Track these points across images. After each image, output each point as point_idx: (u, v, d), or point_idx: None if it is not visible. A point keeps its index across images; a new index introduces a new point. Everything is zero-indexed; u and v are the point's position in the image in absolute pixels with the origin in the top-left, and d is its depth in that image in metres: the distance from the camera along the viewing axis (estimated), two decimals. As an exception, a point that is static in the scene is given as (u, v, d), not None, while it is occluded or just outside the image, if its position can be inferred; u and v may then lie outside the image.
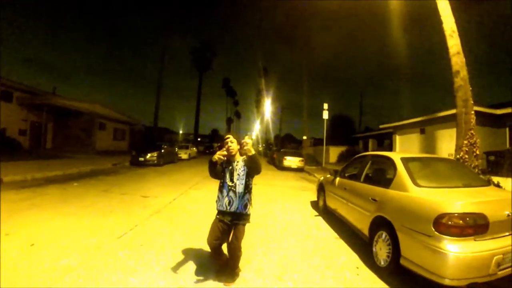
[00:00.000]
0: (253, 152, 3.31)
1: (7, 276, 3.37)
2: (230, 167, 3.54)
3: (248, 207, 3.52)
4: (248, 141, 3.29)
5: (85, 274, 3.58)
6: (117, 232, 5.21)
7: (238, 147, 3.52)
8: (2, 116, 16.55)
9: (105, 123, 27.47)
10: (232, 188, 3.47)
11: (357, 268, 4.30)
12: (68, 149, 20.30)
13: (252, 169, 3.48)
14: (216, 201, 3.59)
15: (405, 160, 4.55)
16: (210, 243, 3.53)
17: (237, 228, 3.50)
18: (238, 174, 3.50)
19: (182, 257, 4.29)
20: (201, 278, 3.68)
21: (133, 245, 4.67)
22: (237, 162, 3.55)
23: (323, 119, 23.92)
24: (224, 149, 3.46)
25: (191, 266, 4.02)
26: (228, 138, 3.54)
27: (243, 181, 3.49)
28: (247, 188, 3.52)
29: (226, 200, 3.47)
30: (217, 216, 3.57)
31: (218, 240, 3.52)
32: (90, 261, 3.96)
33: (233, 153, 3.52)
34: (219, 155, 3.37)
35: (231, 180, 3.50)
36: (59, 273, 3.56)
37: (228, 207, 3.45)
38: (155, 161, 18.07)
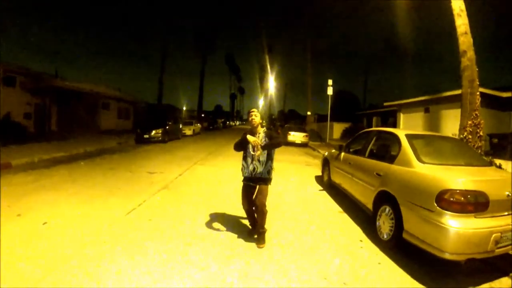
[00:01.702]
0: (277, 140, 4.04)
1: (22, 254, 3.51)
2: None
3: (271, 172, 4.08)
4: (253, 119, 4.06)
5: (98, 250, 3.70)
6: (126, 208, 5.34)
7: (261, 120, 4.10)
8: (6, 100, 16.56)
9: (109, 102, 27.36)
10: (257, 158, 3.94)
11: (361, 241, 4.42)
12: (73, 130, 20.34)
13: (271, 143, 3.98)
14: (242, 169, 4.11)
15: (409, 137, 4.57)
16: (244, 205, 4.20)
17: (261, 187, 4.00)
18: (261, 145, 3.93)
19: (189, 235, 4.39)
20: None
21: (142, 220, 4.81)
22: (259, 134, 4.06)
23: (327, 95, 23.69)
24: (254, 123, 4.06)
25: (202, 237, 4.13)
26: (253, 112, 4.06)
27: (265, 151, 3.96)
28: (269, 156, 4.03)
29: (251, 167, 3.98)
30: (244, 182, 4.14)
31: (250, 203, 4.10)
32: (102, 237, 4.08)
33: (255, 125, 4.07)
34: (255, 141, 3.88)
35: (254, 149, 3.95)
36: (73, 249, 3.68)
37: (253, 173, 3.98)
38: (160, 138, 18.09)
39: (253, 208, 4.11)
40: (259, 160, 3.95)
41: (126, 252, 3.65)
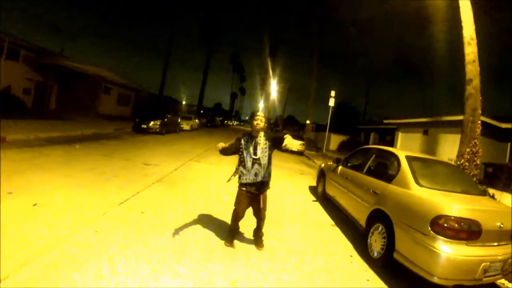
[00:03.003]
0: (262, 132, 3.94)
1: (8, 237, 3.43)
2: (253, 142, 3.89)
3: (270, 175, 3.96)
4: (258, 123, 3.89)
5: (87, 237, 3.67)
6: (119, 197, 5.29)
7: (265, 126, 3.92)
8: (7, 74, 16.44)
9: (110, 87, 27.21)
10: (258, 161, 3.82)
11: (351, 256, 4.45)
12: (71, 111, 20.24)
13: (276, 143, 3.94)
14: (240, 175, 3.90)
15: (409, 159, 4.63)
16: (238, 213, 4.00)
17: (264, 194, 3.96)
18: (262, 148, 3.85)
19: (181, 230, 4.38)
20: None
21: (134, 212, 4.77)
22: (260, 137, 3.90)
23: (328, 106, 23.75)
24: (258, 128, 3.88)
25: (192, 236, 4.14)
26: (259, 116, 3.89)
27: (267, 153, 3.87)
28: (270, 159, 3.92)
29: (252, 172, 3.81)
30: (243, 189, 3.92)
31: (244, 210, 4.02)
32: (93, 226, 4.02)
33: (258, 130, 3.89)
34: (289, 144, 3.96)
35: (255, 154, 3.83)
36: (62, 234, 3.63)
37: (255, 178, 3.81)
38: (158, 129, 18.04)
39: (256, 216, 4.10)
40: (260, 164, 3.82)
41: (116, 245, 3.59)
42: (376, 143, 27.98)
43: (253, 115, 3.94)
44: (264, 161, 3.84)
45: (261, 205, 3.94)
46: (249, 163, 3.83)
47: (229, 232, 4.21)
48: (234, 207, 4.04)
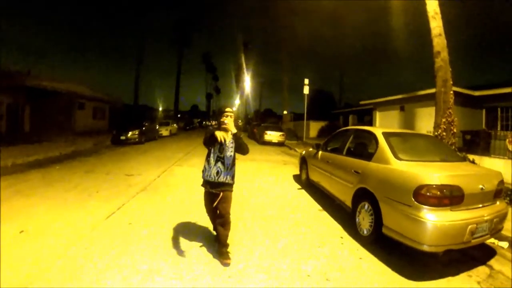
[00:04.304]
0: (233, 130, 3.55)
1: (2, 267, 3.37)
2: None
3: (234, 177, 3.73)
4: (226, 121, 3.52)
5: (78, 256, 3.61)
6: (105, 212, 5.22)
7: (233, 124, 3.59)
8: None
9: (84, 102, 26.52)
10: (221, 160, 3.60)
11: (341, 237, 4.52)
12: (47, 132, 19.75)
13: (238, 147, 3.68)
14: (203, 171, 3.69)
15: (386, 135, 4.70)
16: (208, 213, 3.92)
17: (225, 194, 3.63)
18: (228, 147, 3.60)
19: (171, 233, 4.39)
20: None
21: (122, 224, 4.72)
22: (228, 134, 3.59)
23: (304, 94, 23.93)
24: (225, 127, 3.52)
25: (182, 241, 4.12)
26: (228, 112, 3.60)
27: (232, 154, 3.66)
28: (234, 160, 3.70)
29: (214, 170, 3.58)
30: (205, 187, 3.72)
31: (213, 210, 3.71)
32: (81, 243, 3.97)
33: (225, 127, 3.54)
34: (222, 137, 3.44)
35: (220, 151, 3.60)
36: (52, 258, 3.57)
37: (216, 177, 3.57)
38: (137, 139, 17.79)
39: (216, 217, 3.73)
40: (223, 163, 3.58)
41: (107, 258, 3.57)
42: (355, 124, 28.29)
43: (220, 112, 3.67)
44: (228, 161, 3.61)
45: (220, 206, 3.62)
46: (212, 160, 3.61)
47: (218, 243, 3.79)
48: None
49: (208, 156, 3.68)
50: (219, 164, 3.59)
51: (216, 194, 3.62)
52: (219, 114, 3.69)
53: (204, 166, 3.69)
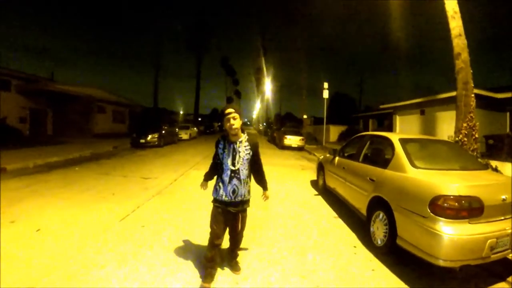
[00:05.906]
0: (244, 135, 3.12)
1: (16, 263, 3.45)
2: (232, 149, 3.06)
3: (250, 191, 3.22)
4: (234, 125, 2.97)
5: (90, 257, 3.65)
6: (119, 214, 5.31)
7: (241, 122, 3.06)
8: (2, 105, 16.56)
9: (104, 106, 27.19)
10: (236, 175, 3.04)
11: (355, 247, 4.39)
12: (68, 134, 20.32)
13: (254, 163, 3.20)
14: (215, 190, 3.16)
15: (403, 141, 4.55)
16: (217, 233, 3.14)
17: (243, 215, 3.24)
18: (242, 158, 3.04)
19: (182, 242, 4.36)
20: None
21: (135, 226, 4.76)
22: (240, 142, 3.08)
23: (323, 98, 23.72)
24: (234, 132, 3.01)
25: (193, 247, 4.10)
26: (231, 113, 2.96)
27: (247, 165, 3.10)
28: (250, 173, 3.21)
29: (230, 188, 3.03)
30: (219, 206, 3.12)
31: (224, 230, 3.22)
32: (96, 244, 4.03)
33: (234, 133, 3.01)
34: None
35: (233, 164, 3.03)
36: (65, 257, 3.63)
37: (233, 197, 3.05)
38: (156, 142, 18.07)
39: (234, 233, 3.36)
40: (239, 179, 3.04)
41: (120, 260, 3.61)
42: (375, 129, 27.95)
43: (223, 114, 3.00)
44: (243, 175, 3.06)
45: (239, 227, 3.24)
46: (226, 177, 3.05)
47: (206, 264, 3.24)
48: (210, 228, 3.20)
49: (219, 174, 3.16)
50: (235, 180, 3.04)
51: (235, 214, 3.14)
52: (222, 117, 3.02)
53: (218, 185, 3.14)
